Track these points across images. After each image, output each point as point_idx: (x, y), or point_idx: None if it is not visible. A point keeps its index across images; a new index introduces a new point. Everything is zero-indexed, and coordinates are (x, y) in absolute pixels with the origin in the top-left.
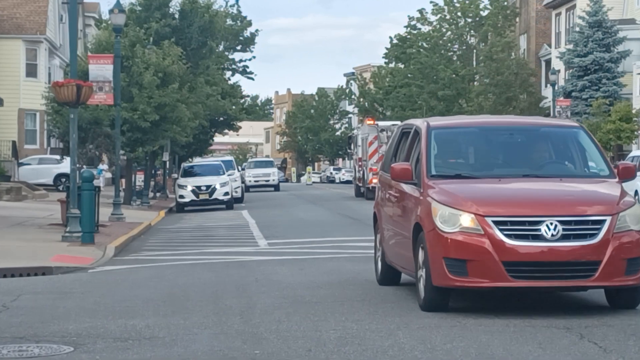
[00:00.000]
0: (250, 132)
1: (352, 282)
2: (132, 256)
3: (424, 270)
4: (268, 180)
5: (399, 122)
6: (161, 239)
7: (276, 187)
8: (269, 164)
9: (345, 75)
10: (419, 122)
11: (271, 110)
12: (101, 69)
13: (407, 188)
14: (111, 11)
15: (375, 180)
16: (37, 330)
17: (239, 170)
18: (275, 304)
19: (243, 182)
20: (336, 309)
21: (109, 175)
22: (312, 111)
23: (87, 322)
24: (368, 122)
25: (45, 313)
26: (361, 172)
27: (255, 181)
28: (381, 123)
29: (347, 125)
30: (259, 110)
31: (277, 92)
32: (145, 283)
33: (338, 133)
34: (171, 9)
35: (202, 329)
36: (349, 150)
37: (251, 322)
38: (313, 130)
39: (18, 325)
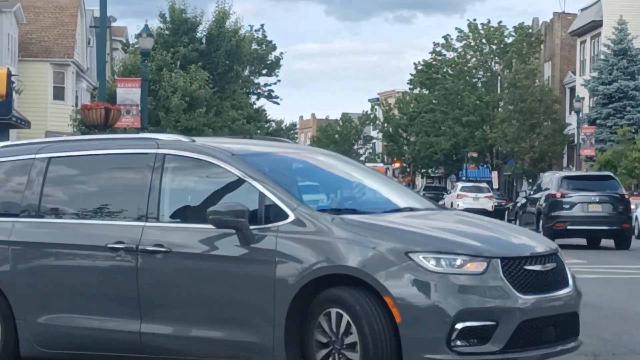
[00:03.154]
0: None
1: None
2: None
3: None
4: None
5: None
6: None
7: None
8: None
9: (369, 100)
10: None
11: (296, 135)
12: (128, 92)
13: None
14: (139, 35)
15: None
16: None
17: None
18: None
19: None
20: None
21: None
22: (337, 136)
23: None
24: None
25: None
26: None
27: None
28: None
29: (371, 150)
30: (283, 135)
31: (301, 117)
32: None
33: (362, 158)
34: (198, 34)
35: None
36: None
37: None
38: None
39: None
